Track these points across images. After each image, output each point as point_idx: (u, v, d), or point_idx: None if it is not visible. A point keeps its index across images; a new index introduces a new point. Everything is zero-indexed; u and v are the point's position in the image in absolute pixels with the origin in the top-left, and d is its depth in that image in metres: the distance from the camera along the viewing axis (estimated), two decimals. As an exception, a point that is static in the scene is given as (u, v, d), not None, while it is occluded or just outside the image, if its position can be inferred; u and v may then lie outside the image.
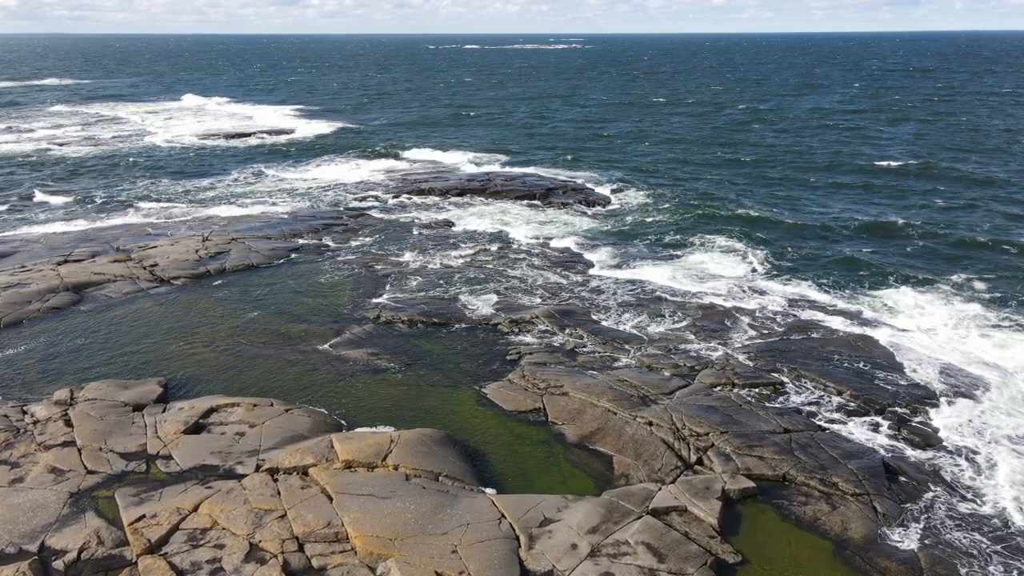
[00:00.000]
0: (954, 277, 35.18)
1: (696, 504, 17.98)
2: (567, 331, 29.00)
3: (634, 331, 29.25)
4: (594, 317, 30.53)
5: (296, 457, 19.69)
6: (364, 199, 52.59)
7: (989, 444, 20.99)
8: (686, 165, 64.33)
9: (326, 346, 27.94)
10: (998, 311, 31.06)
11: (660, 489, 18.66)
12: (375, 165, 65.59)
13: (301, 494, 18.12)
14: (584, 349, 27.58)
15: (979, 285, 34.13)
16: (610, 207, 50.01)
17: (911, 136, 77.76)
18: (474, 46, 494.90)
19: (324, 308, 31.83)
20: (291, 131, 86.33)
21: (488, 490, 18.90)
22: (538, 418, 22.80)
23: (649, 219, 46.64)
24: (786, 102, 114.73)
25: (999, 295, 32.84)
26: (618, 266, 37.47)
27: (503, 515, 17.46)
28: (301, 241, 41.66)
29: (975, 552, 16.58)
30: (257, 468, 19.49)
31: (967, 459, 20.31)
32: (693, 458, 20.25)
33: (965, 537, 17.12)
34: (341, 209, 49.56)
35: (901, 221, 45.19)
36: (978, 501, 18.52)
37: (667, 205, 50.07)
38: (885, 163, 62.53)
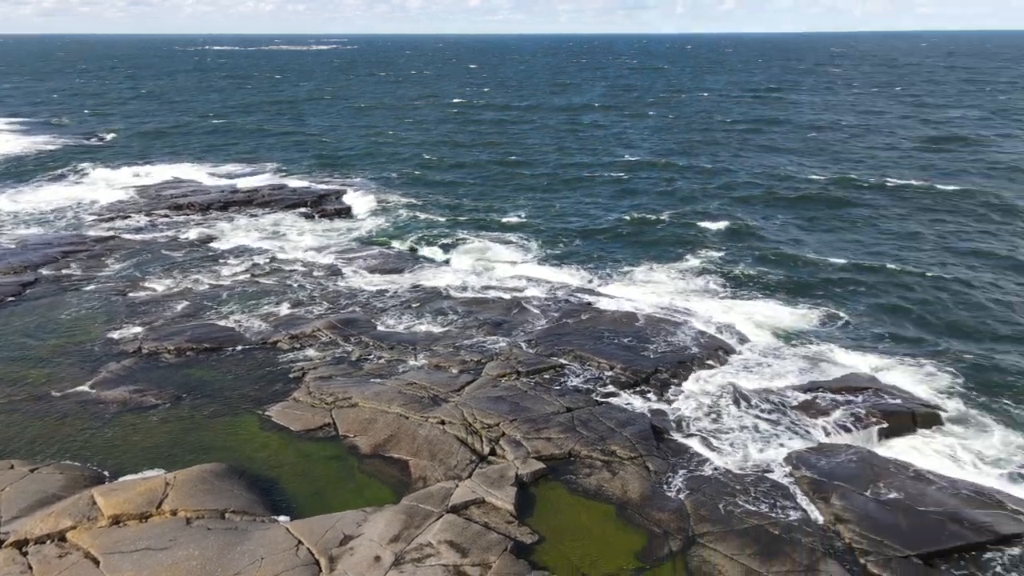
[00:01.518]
0: (701, 252, 39.93)
1: (493, 494, 18.60)
2: (351, 340, 28.45)
3: (419, 332, 29.46)
4: (377, 323, 30.28)
5: (49, 522, 17.24)
6: (111, 220, 47.22)
7: (732, 396, 24.09)
8: (453, 167, 65.91)
9: (78, 389, 24.74)
10: (734, 282, 35.76)
11: (457, 485, 19.04)
12: (119, 181, 59.10)
13: (59, 564, 15.92)
14: (370, 357, 27.24)
15: (715, 258, 39.05)
16: (382, 211, 49.78)
17: (652, 131, 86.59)
18: (225, 47, 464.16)
19: (72, 347, 28.14)
20: (4, 149, 74.83)
21: (281, 518, 18.00)
22: (329, 434, 22.14)
23: (422, 219, 47.17)
24: (542, 101, 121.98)
25: (733, 269, 37.79)
26: (397, 269, 37.45)
27: (300, 541, 16.74)
28: (37, 273, 36.39)
29: (729, 491, 18.99)
30: (0, 544, 16.79)
31: (716, 412, 23.18)
32: (486, 450, 20.91)
33: (720, 479, 19.54)
34: (83, 233, 44.05)
35: (650, 210, 50.27)
36: (728, 448, 21.23)
37: (439, 206, 51.00)
38: (633, 157, 69.01)
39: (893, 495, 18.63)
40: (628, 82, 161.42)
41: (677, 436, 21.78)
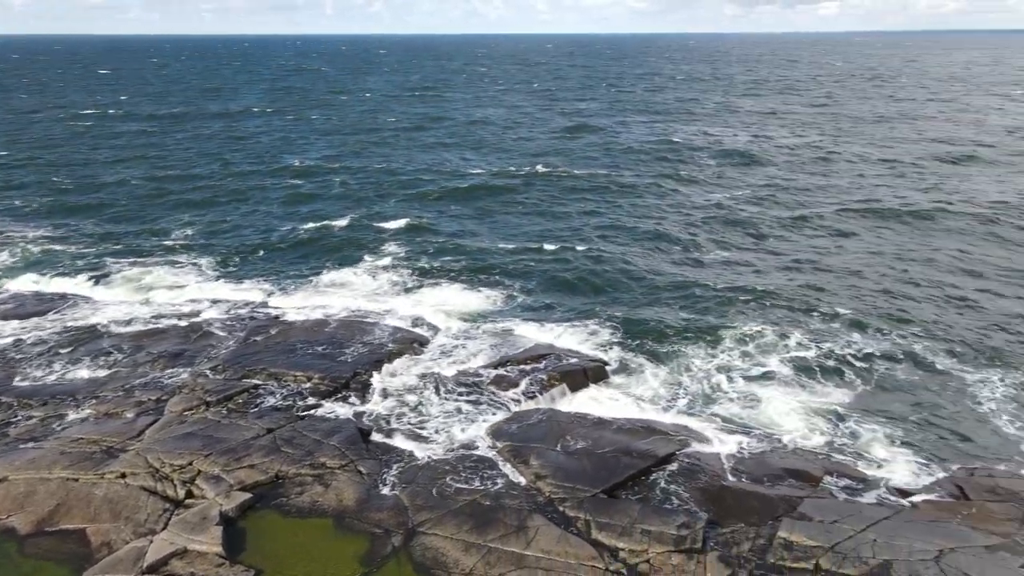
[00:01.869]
0: (385, 251, 40.53)
1: (195, 539, 16.91)
2: (-14, 405, 23.48)
3: (79, 379, 25.43)
4: (18, 377, 25.43)
5: None
6: None
7: (433, 385, 25.07)
8: (95, 188, 57.59)
9: None
10: (420, 275, 36.99)
11: (152, 541, 16.95)
12: None
13: None
14: (16, 419, 22.80)
15: (400, 255, 40.03)
16: (5, 247, 41.79)
17: (319, 134, 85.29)
18: None
19: None
20: None
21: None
22: (-30, 523, 18.07)
23: (63, 251, 40.68)
24: (195, 107, 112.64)
25: (417, 263, 39.09)
26: (37, 312, 31.81)
27: (-55, 663, 13.47)
28: None
29: (441, 475, 19.75)
30: None
31: (420, 402, 23.92)
32: (181, 493, 18.92)
33: (432, 466, 20.23)
34: None
35: (328, 215, 49.68)
36: (434, 434, 22.06)
37: (83, 235, 44.47)
38: (304, 162, 67.30)
39: (579, 444, 21.09)
40: (288, 84, 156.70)
41: (385, 434, 21.99)
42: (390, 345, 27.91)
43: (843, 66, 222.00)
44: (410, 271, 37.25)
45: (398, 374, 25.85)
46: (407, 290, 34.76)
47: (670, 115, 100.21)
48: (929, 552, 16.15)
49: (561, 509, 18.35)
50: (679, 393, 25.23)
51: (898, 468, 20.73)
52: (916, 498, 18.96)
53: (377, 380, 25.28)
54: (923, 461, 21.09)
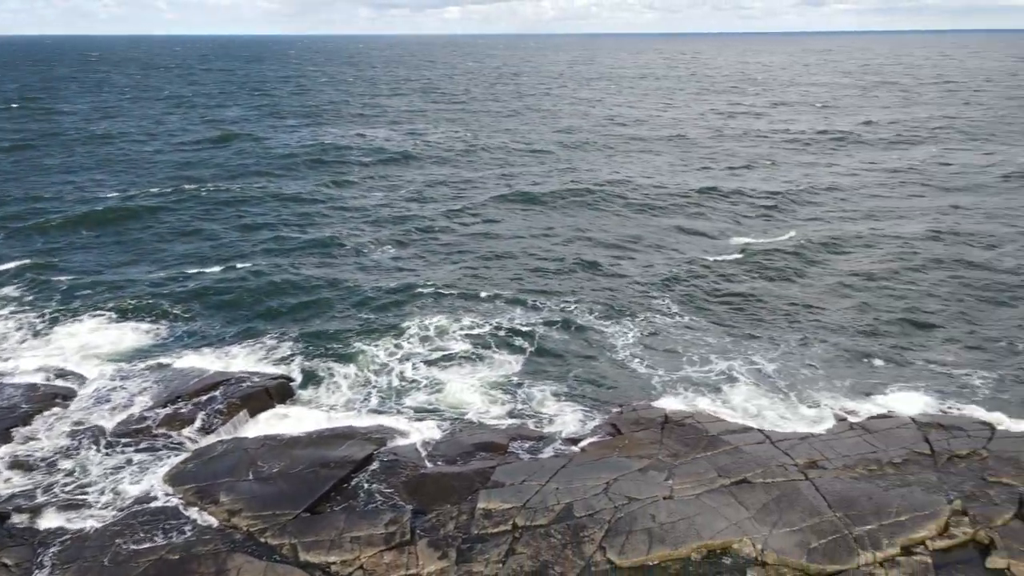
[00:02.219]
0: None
1: None
2: None
3: None
4: None
5: None
6: None
7: (90, 440, 21.66)
8: None
9: None
10: (53, 318, 31.48)
11: None
12: None
13: None
14: None
15: (16, 299, 33.62)
16: None
17: None
18: None
19: None
20: None
21: None
22: None
23: None
24: None
25: (40, 304, 33.21)
26: None
27: None
28: None
29: (113, 540, 17.20)
30: None
31: (76, 464, 20.52)
32: None
33: (101, 534, 17.52)
34: None
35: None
36: (99, 496, 19.12)
37: None
38: None
39: (273, 468, 20.04)
40: None
41: (32, 513, 18.42)
42: (24, 406, 23.43)
43: (474, 66, 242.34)
44: (38, 316, 31.55)
45: (40, 438, 21.82)
46: (38, 336, 29.46)
47: (321, 117, 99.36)
48: (599, 486, 18.69)
49: (263, 540, 17.32)
50: (370, 393, 25.38)
51: (567, 420, 23.54)
52: (584, 443, 21.76)
53: (9, 451, 21.03)
54: (586, 409, 24.24)
